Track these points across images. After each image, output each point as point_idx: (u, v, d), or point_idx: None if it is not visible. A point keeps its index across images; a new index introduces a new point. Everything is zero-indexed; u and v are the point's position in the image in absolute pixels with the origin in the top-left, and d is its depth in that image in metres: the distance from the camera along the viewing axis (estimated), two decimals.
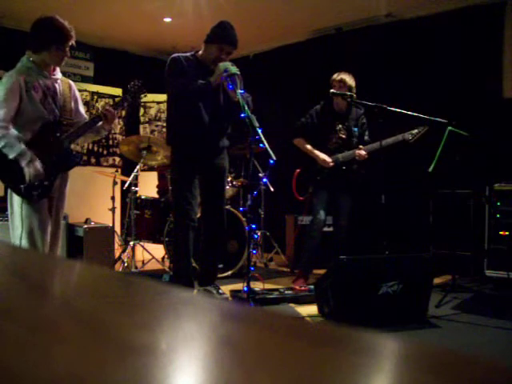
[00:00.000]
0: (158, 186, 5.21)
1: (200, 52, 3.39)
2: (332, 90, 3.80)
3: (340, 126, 3.94)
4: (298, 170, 4.09)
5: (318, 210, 3.88)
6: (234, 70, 3.14)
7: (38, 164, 2.70)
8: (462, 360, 0.32)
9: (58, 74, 2.90)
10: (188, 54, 3.37)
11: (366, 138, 3.96)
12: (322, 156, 3.87)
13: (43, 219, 2.78)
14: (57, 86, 2.87)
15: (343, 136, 3.93)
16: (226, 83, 3.19)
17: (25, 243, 2.68)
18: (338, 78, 3.88)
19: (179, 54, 3.35)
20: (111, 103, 6.21)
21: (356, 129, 3.96)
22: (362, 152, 3.80)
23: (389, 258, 3.22)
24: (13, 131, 2.65)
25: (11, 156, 2.63)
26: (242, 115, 3.02)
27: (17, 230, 2.73)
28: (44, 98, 2.77)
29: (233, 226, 4.29)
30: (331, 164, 3.86)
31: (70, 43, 2.82)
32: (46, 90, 2.79)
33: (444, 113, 3.53)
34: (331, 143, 3.92)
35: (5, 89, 2.65)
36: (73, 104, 2.95)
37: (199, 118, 3.30)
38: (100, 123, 2.96)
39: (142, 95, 3.18)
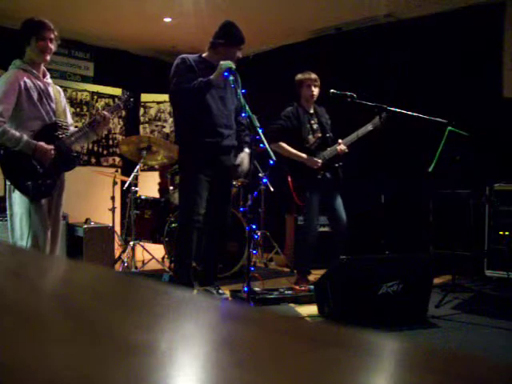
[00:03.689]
0: (159, 185, 5.21)
1: (206, 54, 3.42)
2: (332, 90, 3.79)
3: (316, 125, 3.98)
4: (290, 179, 4.02)
5: (312, 218, 3.88)
6: (231, 65, 3.17)
7: (42, 145, 2.75)
8: (461, 360, 0.32)
9: (49, 79, 2.95)
10: (195, 56, 3.40)
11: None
12: (310, 158, 3.86)
13: (44, 219, 2.79)
14: (50, 89, 2.91)
15: (319, 135, 3.95)
16: (228, 82, 3.21)
17: (28, 244, 2.68)
18: (314, 76, 3.94)
19: (187, 55, 3.39)
20: (111, 104, 6.22)
21: (327, 125, 4.03)
22: (343, 146, 3.86)
23: (389, 257, 3.22)
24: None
25: (17, 148, 2.66)
26: (243, 114, 3.03)
27: (17, 232, 2.73)
28: (40, 98, 2.81)
29: (233, 226, 4.28)
30: (319, 164, 3.86)
31: (50, 34, 2.83)
32: (41, 91, 2.82)
33: (444, 113, 3.53)
34: (311, 143, 3.92)
35: (4, 85, 2.68)
36: (63, 108, 2.99)
37: (209, 117, 3.31)
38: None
39: (129, 106, 3.31)
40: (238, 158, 3.46)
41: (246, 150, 3.52)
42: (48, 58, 2.85)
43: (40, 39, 2.77)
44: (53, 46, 2.85)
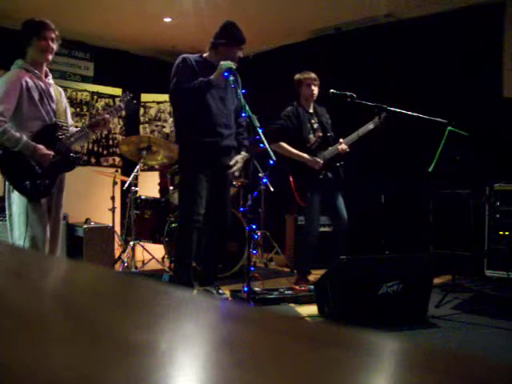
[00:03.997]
0: (159, 185, 5.22)
1: (206, 54, 3.43)
2: (332, 90, 3.80)
3: (316, 124, 3.98)
4: (292, 179, 4.02)
5: (312, 218, 3.88)
6: (231, 65, 3.18)
7: (42, 148, 2.75)
8: (461, 360, 0.32)
9: (51, 80, 2.95)
10: (196, 56, 3.40)
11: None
12: (312, 158, 3.86)
13: (43, 219, 2.79)
14: (51, 90, 2.91)
15: (320, 134, 3.95)
16: (228, 82, 3.22)
17: (26, 243, 2.68)
18: (313, 75, 3.94)
19: (188, 55, 3.38)
20: (111, 104, 6.22)
21: (328, 125, 4.03)
22: (344, 146, 3.84)
23: (389, 257, 3.22)
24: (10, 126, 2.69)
25: (16, 149, 2.66)
26: (243, 115, 3.04)
27: (16, 231, 2.73)
28: (41, 99, 2.80)
29: (233, 226, 4.28)
30: (321, 164, 3.85)
31: (51, 34, 2.83)
32: (42, 91, 2.82)
33: (444, 113, 3.53)
34: (312, 143, 3.92)
35: (6, 85, 2.68)
36: (64, 109, 2.99)
37: (208, 116, 3.32)
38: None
39: (132, 108, 3.31)
40: (232, 160, 3.46)
41: (243, 153, 3.52)
42: (50, 57, 2.85)
43: (41, 39, 2.78)
44: (54, 46, 2.84)
